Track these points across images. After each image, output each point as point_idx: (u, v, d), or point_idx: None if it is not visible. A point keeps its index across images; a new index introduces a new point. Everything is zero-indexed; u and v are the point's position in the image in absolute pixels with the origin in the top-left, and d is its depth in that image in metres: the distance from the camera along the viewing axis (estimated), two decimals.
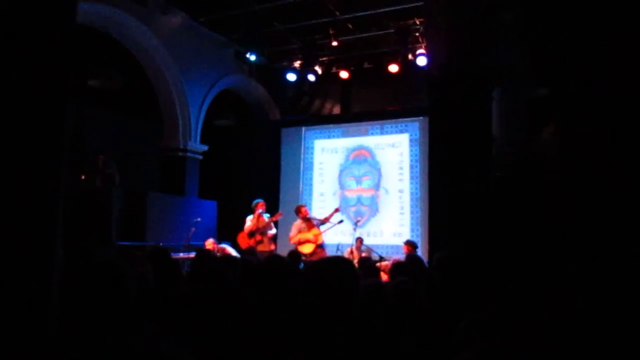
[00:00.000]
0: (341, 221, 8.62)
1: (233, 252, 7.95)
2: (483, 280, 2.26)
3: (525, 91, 4.64)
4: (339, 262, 1.67)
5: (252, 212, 8.56)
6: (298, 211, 8.53)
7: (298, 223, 8.42)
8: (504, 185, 4.22)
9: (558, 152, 4.07)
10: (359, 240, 9.14)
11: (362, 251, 9.06)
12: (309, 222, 8.35)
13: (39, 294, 1.28)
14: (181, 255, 8.08)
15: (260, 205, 8.55)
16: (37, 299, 1.28)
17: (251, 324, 1.88)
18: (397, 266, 3.63)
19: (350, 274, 1.64)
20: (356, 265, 6.94)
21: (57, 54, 1.35)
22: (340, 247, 9.30)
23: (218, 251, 7.92)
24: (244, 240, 8.44)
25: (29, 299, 1.26)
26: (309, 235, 8.23)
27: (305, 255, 7.80)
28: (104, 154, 8.95)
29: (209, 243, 8.13)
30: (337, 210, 8.59)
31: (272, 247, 8.57)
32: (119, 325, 1.87)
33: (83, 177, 8.61)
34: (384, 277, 7.92)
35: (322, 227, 8.42)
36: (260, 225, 8.37)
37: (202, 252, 4.44)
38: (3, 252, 1.23)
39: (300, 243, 8.22)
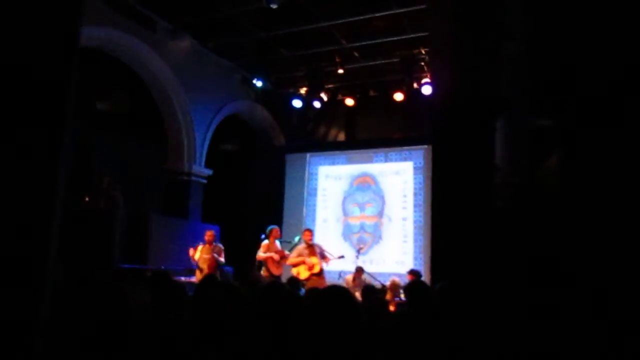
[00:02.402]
0: (342, 256, 8.53)
1: (222, 259, 8.18)
2: (484, 311, 2.24)
3: (528, 122, 4.65)
4: (339, 296, 1.66)
5: (266, 237, 8.52)
6: (302, 235, 8.50)
7: (301, 247, 8.38)
8: (506, 216, 4.21)
9: (560, 183, 4.06)
10: (359, 269, 9.01)
11: (362, 281, 8.94)
12: (312, 249, 8.30)
13: (27, 312, 1.28)
14: (182, 279, 8.05)
15: (274, 232, 8.53)
16: (25, 317, 1.28)
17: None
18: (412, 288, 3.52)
19: (351, 307, 1.63)
20: (358, 294, 6.88)
21: (56, 76, 1.38)
22: (342, 274, 9.22)
23: (214, 248, 8.09)
24: (276, 267, 8.35)
25: (16, 318, 1.26)
26: (308, 260, 8.16)
27: (300, 280, 7.71)
28: (109, 176, 8.99)
29: (209, 234, 8.22)
30: (341, 257, 8.50)
31: (280, 271, 8.47)
32: (116, 348, 1.86)
33: (87, 198, 8.63)
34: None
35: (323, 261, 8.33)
36: (273, 252, 8.34)
37: (208, 279, 4.41)
38: None
39: (295, 266, 8.17)
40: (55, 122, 1.37)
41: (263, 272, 8.20)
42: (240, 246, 9.03)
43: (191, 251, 8.21)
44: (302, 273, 8.09)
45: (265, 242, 8.44)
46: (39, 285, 1.29)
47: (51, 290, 1.34)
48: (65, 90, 1.38)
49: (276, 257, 8.31)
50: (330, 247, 8.68)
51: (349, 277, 8.94)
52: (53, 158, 1.34)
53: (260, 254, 8.30)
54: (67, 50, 1.39)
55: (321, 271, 8.13)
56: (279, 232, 8.66)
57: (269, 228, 8.57)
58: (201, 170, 10.77)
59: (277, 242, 8.50)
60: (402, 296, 7.99)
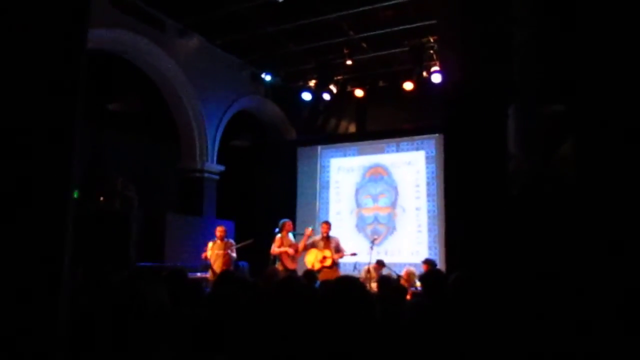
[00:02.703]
0: (354, 254, 8.51)
1: (234, 255, 8.19)
2: (499, 300, 2.23)
3: (541, 108, 4.61)
4: (351, 287, 1.66)
5: (280, 231, 8.56)
6: (321, 227, 8.53)
7: (317, 239, 8.40)
8: (521, 204, 4.18)
9: (575, 169, 4.02)
10: (380, 263, 8.96)
11: (382, 273, 8.91)
12: (327, 241, 8.31)
13: (46, 311, 1.30)
14: (198, 275, 8.12)
15: (287, 226, 8.55)
16: (44, 316, 1.29)
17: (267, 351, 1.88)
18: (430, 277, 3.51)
19: (363, 297, 1.63)
20: (374, 284, 6.87)
21: (65, 76, 1.39)
22: (357, 266, 9.23)
23: (227, 245, 8.13)
24: (290, 261, 8.37)
25: (35, 315, 1.28)
26: (320, 253, 8.17)
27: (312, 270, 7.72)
28: (123, 177, 9.08)
29: (220, 230, 8.27)
30: (353, 254, 8.49)
31: (295, 265, 8.49)
32: (135, 346, 1.88)
33: (102, 199, 8.73)
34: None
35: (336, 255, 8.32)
36: (286, 245, 8.36)
37: (224, 275, 4.44)
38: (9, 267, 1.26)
39: (308, 254, 8.20)
40: (64, 124, 1.39)
41: (278, 266, 8.23)
42: (255, 241, 9.05)
43: (203, 255, 8.28)
44: (315, 265, 8.12)
45: (279, 236, 8.46)
46: (55, 288, 1.31)
47: (68, 293, 1.35)
48: (72, 91, 1.39)
49: (290, 251, 8.32)
50: (344, 239, 8.69)
51: (370, 267, 8.89)
52: (64, 159, 1.36)
53: (275, 249, 8.32)
54: (74, 50, 1.41)
55: (333, 264, 8.13)
56: (291, 226, 8.67)
57: (282, 222, 8.59)
58: (213, 167, 10.82)
59: (291, 235, 8.52)
60: (418, 285, 7.99)
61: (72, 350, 1.67)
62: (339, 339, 1.52)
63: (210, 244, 8.26)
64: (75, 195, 9.18)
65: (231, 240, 8.38)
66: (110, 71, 9.35)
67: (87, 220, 8.29)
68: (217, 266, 7.97)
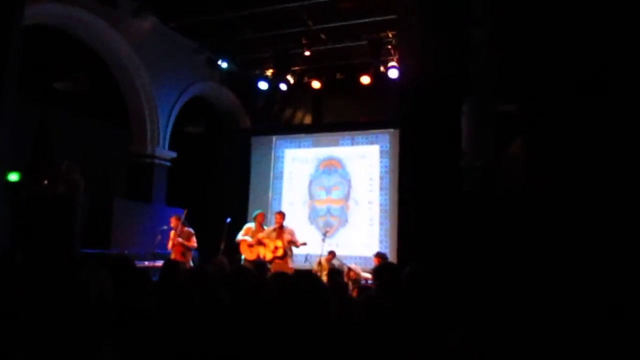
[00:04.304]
0: (304, 244, 8.50)
1: (189, 244, 8.00)
2: (451, 294, 2.26)
3: (493, 106, 4.70)
4: (310, 284, 1.63)
5: (252, 221, 8.54)
6: (274, 217, 8.49)
7: (270, 229, 8.34)
8: (472, 199, 4.26)
9: (524, 166, 4.13)
10: (331, 253, 9.02)
11: (333, 264, 8.96)
12: (280, 232, 8.25)
13: None
14: (146, 263, 7.92)
15: (259, 217, 8.48)
16: None
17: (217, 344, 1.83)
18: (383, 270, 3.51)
19: (321, 294, 1.60)
20: (324, 277, 6.90)
21: None
22: (308, 258, 9.24)
23: (181, 234, 7.93)
24: (249, 251, 8.26)
25: None
26: (272, 243, 8.12)
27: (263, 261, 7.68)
28: (69, 159, 8.73)
29: (172, 220, 8.10)
30: (303, 244, 8.46)
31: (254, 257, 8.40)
32: (76, 337, 1.80)
33: (46, 182, 8.37)
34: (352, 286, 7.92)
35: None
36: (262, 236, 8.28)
37: (170, 264, 4.33)
38: None
39: (260, 245, 8.15)
40: None
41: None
42: (205, 230, 8.91)
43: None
44: (267, 255, 8.07)
45: (250, 224, 8.40)
46: None
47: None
48: (2, 67, 1.30)
49: (249, 240, 8.23)
50: (297, 230, 8.66)
51: (318, 259, 8.95)
52: None
53: (239, 236, 8.26)
54: (6, 24, 1.31)
55: (285, 254, 8.10)
56: (263, 217, 8.59)
57: (255, 212, 8.63)
58: (165, 153, 10.58)
59: (266, 228, 8.42)
60: (367, 279, 8.07)
61: (4, 342, 1.57)
62: (293, 334, 1.49)
63: (171, 233, 8.09)
64: (17, 177, 8.74)
65: (188, 229, 8.15)
66: (58, 48, 8.96)
67: (29, 204, 7.95)
68: (173, 257, 7.81)
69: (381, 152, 11.19)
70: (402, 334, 1.72)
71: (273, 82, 11.27)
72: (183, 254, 7.91)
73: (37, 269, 3.42)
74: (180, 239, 7.95)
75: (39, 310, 1.91)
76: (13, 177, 8.55)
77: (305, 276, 1.69)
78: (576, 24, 3.79)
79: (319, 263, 8.86)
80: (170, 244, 8.04)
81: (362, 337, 1.71)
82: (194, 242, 8.07)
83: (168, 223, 8.27)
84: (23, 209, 7.78)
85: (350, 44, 10.23)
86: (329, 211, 11.44)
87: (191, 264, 7.88)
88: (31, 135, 9.43)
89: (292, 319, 1.49)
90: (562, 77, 3.86)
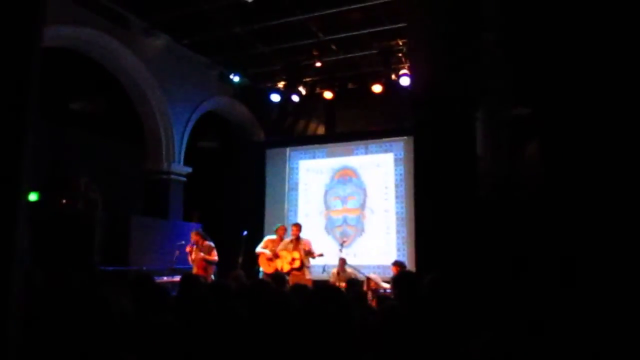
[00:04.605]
0: (321, 255, 8.52)
1: (211, 258, 8.07)
2: (471, 301, 2.23)
3: (507, 111, 4.67)
4: (331, 295, 1.62)
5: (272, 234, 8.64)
6: (291, 228, 8.53)
7: (287, 241, 8.36)
8: (489, 205, 4.22)
9: (540, 171, 4.08)
10: (342, 260, 9.02)
11: (346, 271, 8.95)
12: (297, 243, 8.26)
13: None
14: (165, 279, 7.96)
15: (282, 230, 8.56)
16: None
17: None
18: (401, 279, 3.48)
19: (343, 307, 1.59)
20: (343, 286, 6.87)
21: (15, 76, 1.32)
22: (326, 268, 9.20)
23: (202, 248, 7.99)
24: (267, 265, 8.30)
25: None
26: (289, 255, 8.14)
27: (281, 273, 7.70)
28: (86, 178, 8.84)
29: (192, 235, 8.19)
30: (320, 255, 8.49)
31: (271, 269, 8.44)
32: (98, 354, 1.80)
33: (64, 201, 8.48)
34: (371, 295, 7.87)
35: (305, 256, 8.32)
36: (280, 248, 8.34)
37: (188, 279, 4.34)
38: None
39: (278, 257, 8.17)
40: (17, 123, 1.31)
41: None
42: (222, 244, 8.94)
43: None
44: (284, 267, 8.07)
45: (271, 237, 8.44)
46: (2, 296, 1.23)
47: (17, 299, 1.27)
48: (26, 90, 1.31)
49: (268, 253, 8.26)
50: (313, 241, 8.66)
51: (334, 270, 8.94)
52: (16, 159, 1.28)
53: (258, 248, 8.32)
54: (27, 47, 1.33)
55: (302, 266, 8.10)
56: (284, 230, 8.62)
57: (277, 226, 8.79)
58: (180, 168, 10.65)
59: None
60: (386, 288, 8.02)
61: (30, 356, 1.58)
62: (315, 346, 1.48)
63: (193, 248, 8.16)
64: (36, 197, 8.87)
65: (209, 243, 8.20)
66: (74, 70, 9.10)
67: (48, 223, 8.04)
68: (195, 271, 7.86)
69: (395, 160, 11.15)
70: (422, 342, 1.70)
71: (285, 94, 11.32)
72: (205, 269, 7.95)
73: (57, 288, 3.45)
74: (202, 254, 7.99)
75: (61, 328, 1.92)
76: (32, 197, 8.67)
77: (327, 289, 1.68)
78: (587, 25, 3.76)
79: (337, 274, 8.85)
80: (190, 258, 8.10)
81: (382, 347, 1.70)
82: (215, 256, 8.10)
83: (187, 238, 8.34)
84: (42, 228, 7.87)
85: (361, 54, 10.24)
86: (345, 221, 11.40)
87: (212, 277, 7.91)
88: (49, 155, 9.57)
89: (314, 331, 1.49)
90: (575, 79, 3.82)
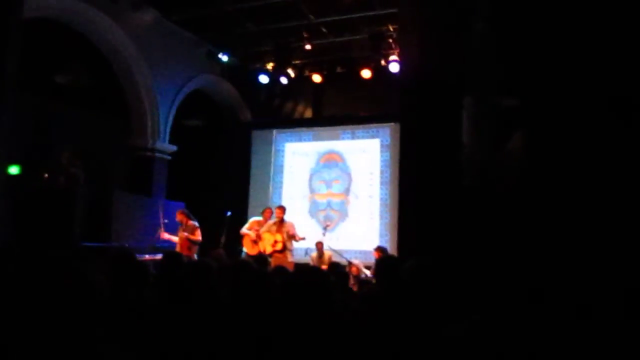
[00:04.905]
0: (303, 238, 8.55)
1: (196, 237, 8.00)
2: (451, 287, 2.26)
3: (494, 100, 4.68)
4: (314, 278, 1.63)
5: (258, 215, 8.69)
6: (275, 211, 8.53)
7: (270, 222, 8.37)
8: (472, 193, 4.25)
9: (524, 160, 4.12)
10: (319, 244, 9.07)
11: (324, 255, 9.02)
12: (280, 226, 8.28)
13: None
14: (147, 257, 7.93)
15: (269, 212, 8.58)
16: None
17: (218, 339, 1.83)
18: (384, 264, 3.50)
19: (326, 291, 1.60)
20: (324, 268, 6.91)
21: None
22: (308, 252, 9.26)
23: (186, 228, 7.96)
24: (251, 246, 8.32)
25: None
26: (272, 237, 8.16)
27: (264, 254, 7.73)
28: (69, 152, 8.72)
29: (177, 215, 8.16)
30: (302, 238, 8.51)
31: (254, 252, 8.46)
32: (74, 330, 1.79)
33: (46, 175, 8.37)
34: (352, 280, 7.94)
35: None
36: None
37: (172, 257, 4.32)
38: None
39: (261, 239, 8.20)
40: None
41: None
42: (205, 223, 8.91)
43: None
44: (267, 248, 8.10)
45: (258, 218, 8.45)
46: None
47: None
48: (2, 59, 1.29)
49: (252, 235, 8.26)
50: (297, 224, 8.68)
51: (313, 254, 9.03)
52: None
53: (243, 229, 8.33)
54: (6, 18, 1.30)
55: (284, 248, 8.13)
56: (270, 213, 8.61)
57: (265, 208, 8.82)
58: (165, 146, 10.56)
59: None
60: (367, 274, 8.10)
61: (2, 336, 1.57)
62: (296, 327, 1.49)
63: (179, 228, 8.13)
64: (18, 170, 8.75)
65: (193, 222, 8.15)
66: (59, 42, 8.93)
67: (29, 197, 7.95)
68: (179, 250, 7.83)
69: (382, 145, 11.18)
70: (401, 326, 1.72)
71: (273, 76, 11.23)
72: (189, 248, 7.93)
73: (36, 262, 3.42)
74: (185, 233, 7.96)
75: (36, 303, 1.91)
76: (13, 170, 8.55)
77: (309, 271, 1.68)
78: (578, 17, 3.77)
79: (316, 257, 8.93)
80: (161, 234, 8.08)
81: (363, 330, 1.71)
82: (198, 236, 8.07)
83: (170, 216, 8.30)
84: (23, 202, 7.78)
85: (351, 38, 10.19)
86: (329, 205, 11.44)
87: (196, 257, 7.91)
88: (31, 128, 9.43)
89: (296, 313, 1.49)
90: (564, 71, 3.84)
